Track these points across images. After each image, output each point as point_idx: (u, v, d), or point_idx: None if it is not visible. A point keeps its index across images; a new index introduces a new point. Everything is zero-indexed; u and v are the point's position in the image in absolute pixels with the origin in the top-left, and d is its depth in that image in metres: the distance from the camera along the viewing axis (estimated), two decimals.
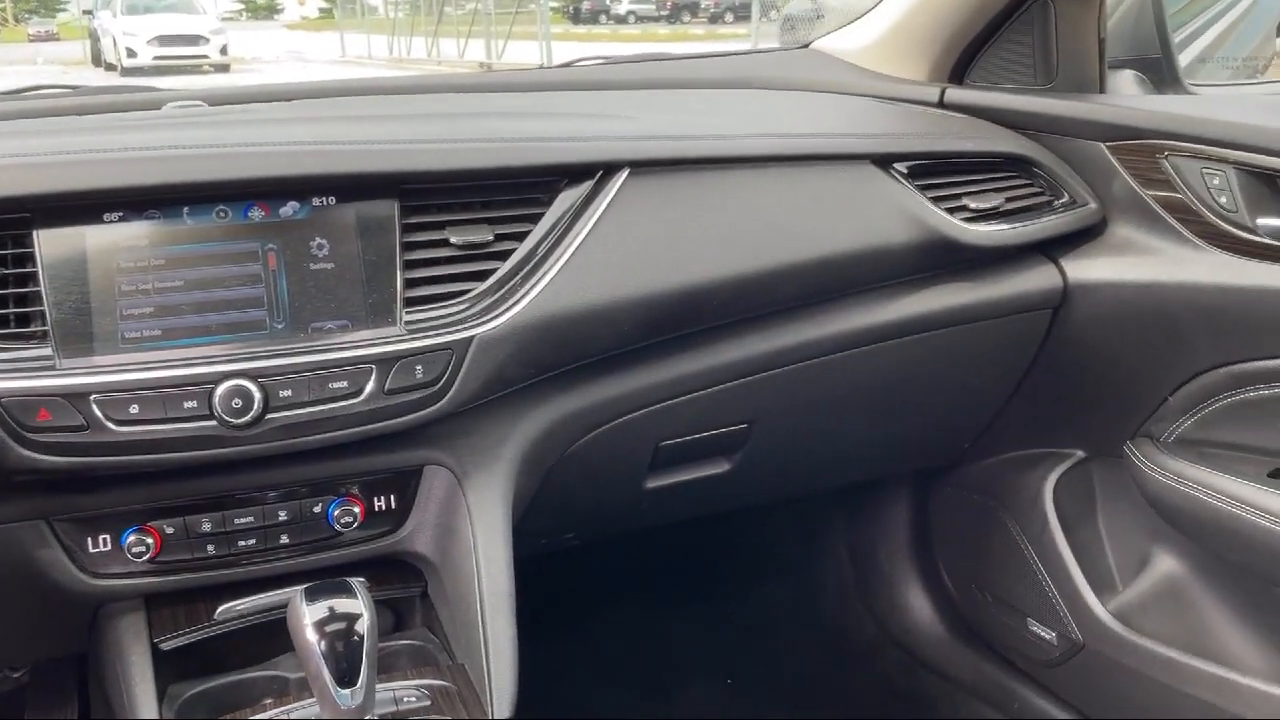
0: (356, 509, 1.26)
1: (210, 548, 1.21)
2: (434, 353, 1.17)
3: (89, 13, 21.52)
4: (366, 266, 1.17)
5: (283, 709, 1.13)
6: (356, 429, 1.16)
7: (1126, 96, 1.72)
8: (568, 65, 2.04)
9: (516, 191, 1.28)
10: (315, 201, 1.17)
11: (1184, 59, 1.91)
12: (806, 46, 2.10)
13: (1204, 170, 1.49)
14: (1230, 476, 1.49)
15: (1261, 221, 1.45)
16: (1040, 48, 1.72)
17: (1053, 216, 1.61)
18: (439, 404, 1.19)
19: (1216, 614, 1.66)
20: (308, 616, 1.02)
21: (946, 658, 2.16)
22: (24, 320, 1.08)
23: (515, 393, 1.29)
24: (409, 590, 1.35)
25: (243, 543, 1.22)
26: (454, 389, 1.19)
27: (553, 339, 1.25)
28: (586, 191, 1.30)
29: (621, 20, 25.90)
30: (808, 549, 2.41)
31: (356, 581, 1.07)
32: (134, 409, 1.07)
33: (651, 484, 1.59)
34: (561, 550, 1.77)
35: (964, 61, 1.82)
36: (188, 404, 1.09)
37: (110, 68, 18.28)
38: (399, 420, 1.18)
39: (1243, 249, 1.47)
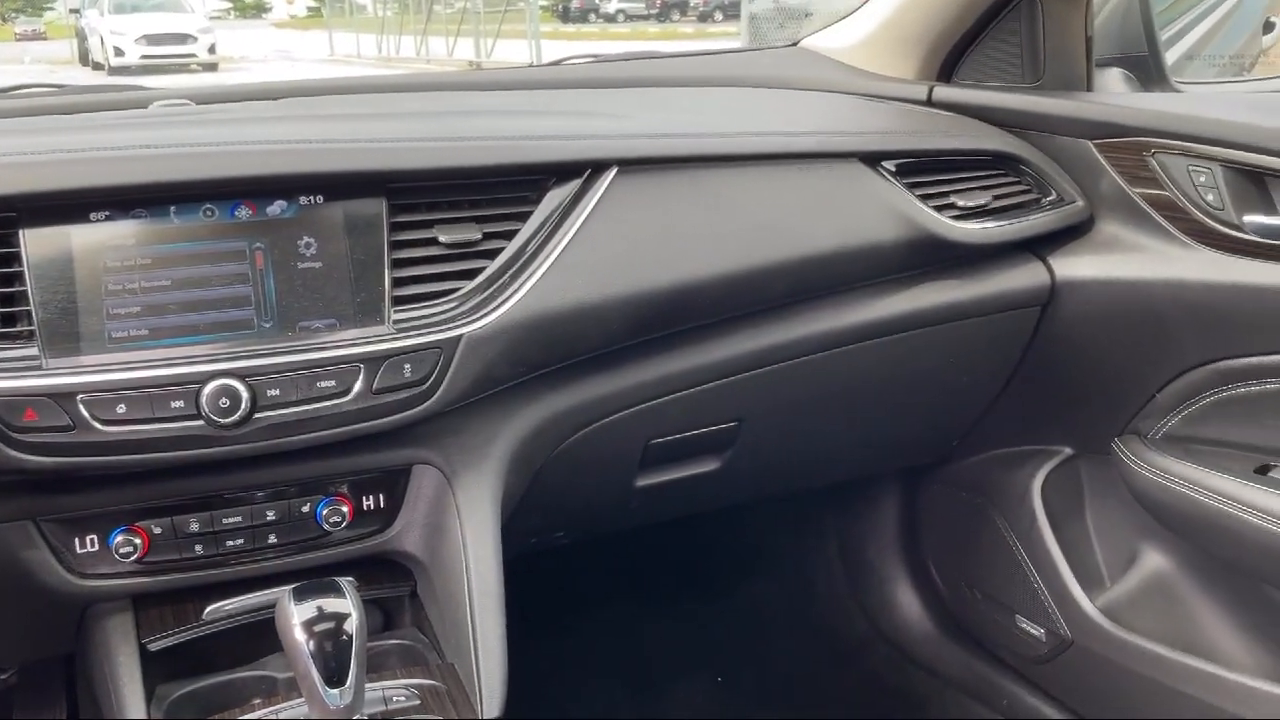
0: (345, 508, 1.25)
1: (198, 548, 1.21)
2: (422, 352, 1.17)
3: (76, 11, 21.42)
4: (354, 265, 1.17)
5: (271, 709, 1.13)
6: (345, 428, 1.16)
7: (1114, 94, 1.73)
8: (557, 64, 2.04)
9: (505, 190, 1.28)
10: (303, 200, 1.16)
11: (1171, 57, 1.92)
12: (795, 45, 2.10)
13: (1191, 168, 1.49)
14: (1217, 473, 1.50)
15: (1248, 219, 1.46)
16: (1027, 46, 1.72)
17: (1040, 214, 1.61)
18: (427, 403, 1.19)
19: (1204, 610, 1.67)
20: (296, 616, 1.02)
21: (936, 654, 2.16)
22: (10, 320, 1.08)
23: (504, 391, 1.29)
24: (398, 590, 1.35)
25: (231, 543, 1.22)
26: (442, 388, 1.19)
27: (541, 337, 1.25)
28: (575, 190, 1.30)
29: (611, 19, 25.86)
30: (797, 546, 2.41)
31: (345, 581, 1.07)
32: (121, 409, 1.07)
33: (641, 482, 1.59)
34: (551, 549, 1.77)
35: (952, 60, 1.83)
36: (175, 404, 1.09)
37: (98, 67, 18.21)
38: (387, 419, 1.18)
39: (1229, 246, 1.47)
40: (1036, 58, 1.72)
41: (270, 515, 1.23)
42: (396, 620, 1.38)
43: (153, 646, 1.21)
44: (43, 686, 1.64)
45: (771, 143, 1.48)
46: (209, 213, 1.14)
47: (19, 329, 1.08)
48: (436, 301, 1.20)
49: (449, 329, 1.19)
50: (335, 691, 1.01)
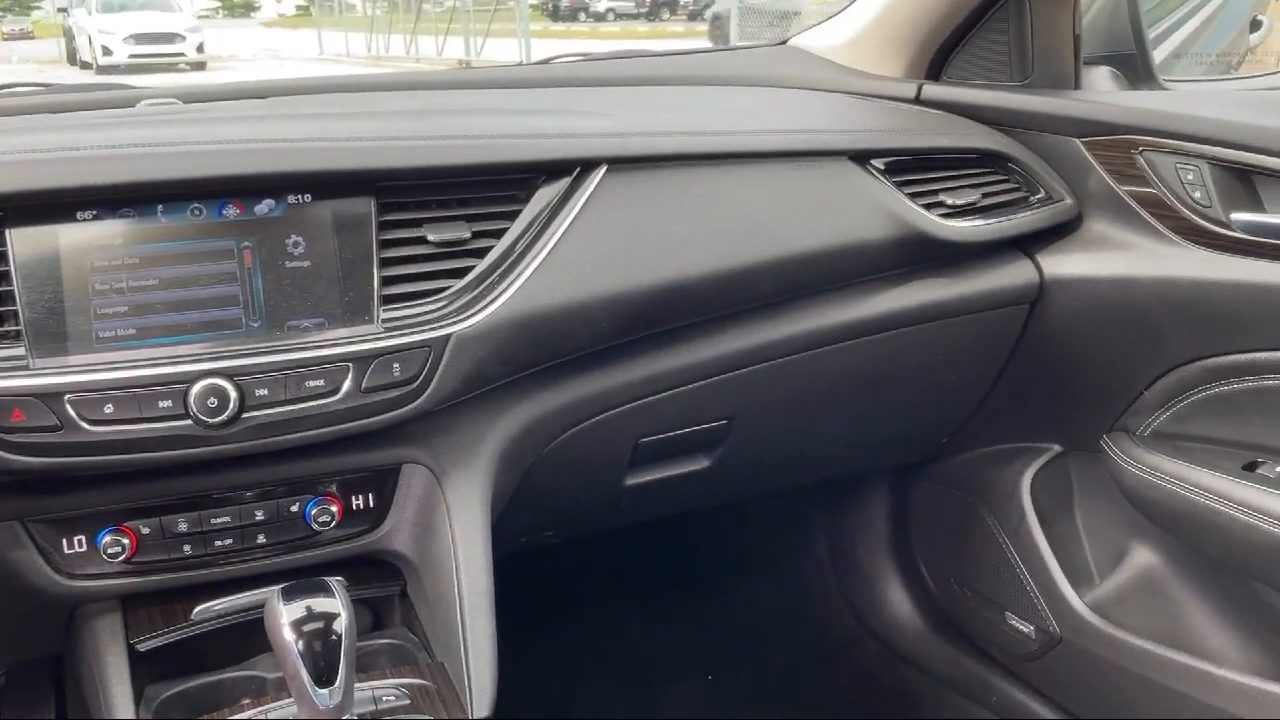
0: (334, 508, 1.25)
1: (187, 548, 1.21)
2: (411, 350, 1.17)
3: (64, 11, 21.34)
4: (343, 264, 1.17)
5: (261, 709, 1.13)
6: (333, 428, 1.16)
7: (1102, 92, 1.73)
8: (546, 62, 2.03)
9: (494, 189, 1.27)
10: (291, 199, 1.16)
11: (1159, 55, 1.92)
12: (784, 43, 2.11)
13: (1178, 165, 1.50)
14: (1205, 470, 1.50)
15: (1235, 216, 1.46)
16: (1016, 44, 1.73)
17: (1029, 212, 1.62)
18: (416, 402, 1.18)
19: (1192, 606, 1.68)
20: (285, 616, 1.01)
21: (925, 651, 2.17)
22: None
23: (493, 390, 1.29)
24: (388, 589, 1.34)
25: (219, 543, 1.22)
26: (431, 387, 1.19)
27: (530, 336, 1.25)
28: (564, 188, 1.30)
29: (600, 17, 25.83)
30: (787, 544, 2.41)
31: (334, 581, 1.07)
32: (108, 409, 1.07)
33: (631, 481, 1.59)
34: (541, 548, 1.77)
35: (940, 58, 1.83)
36: (163, 403, 1.08)
37: (86, 66, 18.14)
38: (376, 419, 1.17)
39: (1217, 244, 1.48)
40: (1025, 56, 1.72)
41: (259, 515, 1.23)
42: (386, 620, 1.38)
43: (141, 647, 1.21)
44: (31, 687, 1.63)
45: (760, 141, 1.48)
46: (196, 212, 1.13)
47: (6, 329, 1.08)
48: (425, 300, 1.20)
49: (438, 328, 1.19)
50: (324, 691, 1.00)
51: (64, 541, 1.17)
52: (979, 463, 1.94)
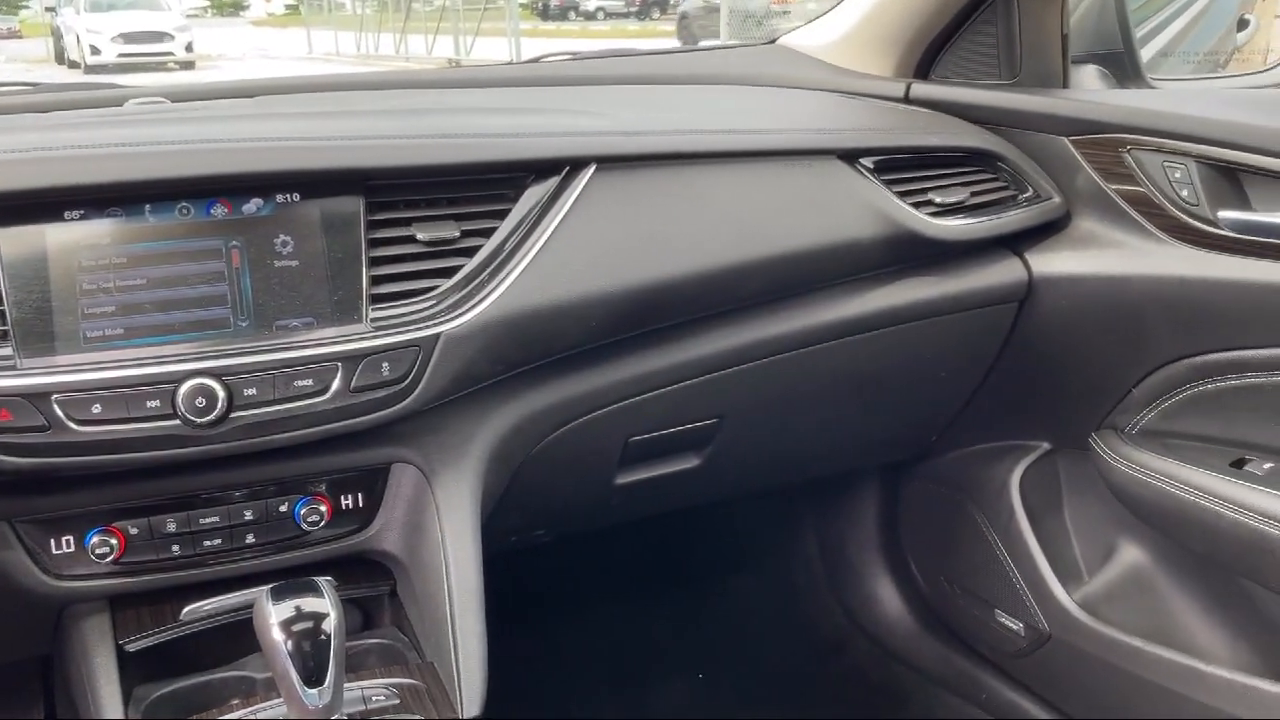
0: (323, 508, 1.25)
1: (175, 548, 1.20)
2: (400, 350, 1.17)
3: (52, 10, 21.29)
4: (332, 263, 1.17)
5: (250, 709, 1.13)
6: (322, 427, 1.16)
7: (1089, 91, 1.74)
8: (536, 61, 2.03)
9: (483, 188, 1.27)
10: (279, 198, 1.16)
11: (1146, 54, 1.93)
12: (773, 42, 2.11)
13: (1166, 164, 1.50)
14: (1193, 467, 1.51)
15: (1222, 214, 1.47)
16: (1004, 43, 1.73)
17: (1017, 211, 1.62)
18: (405, 401, 1.18)
19: (1181, 603, 1.68)
20: (274, 616, 1.01)
21: (915, 649, 2.17)
22: None
23: (483, 389, 1.29)
24: (377, 589, 1.34)
25: (208, 543, 1.22)
26: (421, 386, 1.19)
27: (520, 335, 1.25)
28: (553, 187, 1.30)
29: (590, 16, 25.82)
30: (777, 543, 2.42)
31: (323, 580, 1.07)
32: (96, 409, 1.06)
33: (621, 480, 1.59)
34: (531, 547, 1.77)
35: (929, 57, 1.83)
36: (151, 403, 1.08)
37: (74, 65, 18.10)
38: (365, 418, 1.17)
39: (1204, 242, 1.48)
40: (1013, 55, 1.72)
41: (248, 515, 1.22)
42: (376, 619, 1.37)
43: (130, 647, 1.20)
44: (20, 688, 1.63)
45: (750, 140, 1.49)
46: (184, 211, 1.13)
47: None
48: (414, 300, 1.20)
49: (427, 327, 1.18)
50: (314, 691, 1.00)
51: (52, 542, 1.17)
52: (968, 461, 1.94)
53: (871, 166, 1.54)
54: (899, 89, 1.81)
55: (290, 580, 1.07)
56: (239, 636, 1.20)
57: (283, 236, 1.15)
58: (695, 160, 1.42)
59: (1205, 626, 1.65)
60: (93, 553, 1.17)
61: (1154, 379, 1.58)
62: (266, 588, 1.05)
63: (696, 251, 1.38)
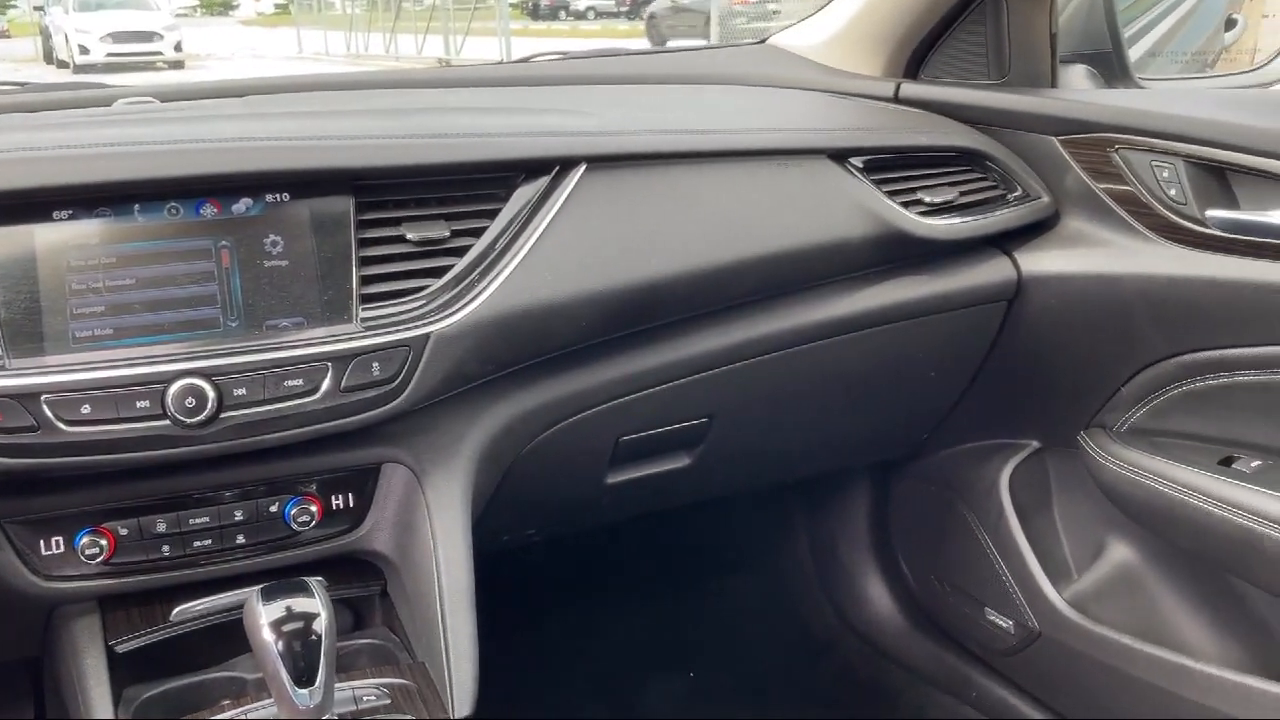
0: (314, 508, 1.25)
1: (165, 549, 1.20)
2: (391, 350, 1.17)
3: (40, 9, 21.22)
4: (321, 263, 1.16)
5: (241, 710, 1.13)
6: (312, 427, 1.16)
7: (1078, 91, 1.74)
8: (526, 61, 2.03)
9: (473, 187, 1.27)
10: (269, 198, 1.16)
11: (1134, 53, 1.94)
12: (763, 42, 2.11)
13: (1154, 163, 1.51)
14: (1182, 465, 1.51)
15: (1210, 213, 1.47)
16: (993, 43, 1.73)
17: (1006, 210, 1.62)
18: (396, 401, 1.18)
19: (1170, 601, 1.69)
20: (264, 616, 1.01)
21: (906, 647, 2.17)
22: None
23: (473, 389, 1.29)
24: (368, 589, 1.34)
25: (198, 543, 1.21)
26: (411, 386, 1.18)
27: (510, 335, 1.25)
28: (543, 187, 1.30)
29: (580, 16, 25.80)
30: (768, 541, 2.42)
31: (314, 581, 1.07)
32: (86, 409, 1.06)
33: (612, 479, 1.59)
34: (523, 546, 1.77)
35: (918, 57, 1.84)
36: (140, 403, 1.08)
37: (63, 65, 18.05)
38: (356, 418, 1.17)
39: (1192, 240, 1.49)
40: (1002, 54, 1.73)
41: (238, 515, 1.22)
42: (367, 620, 1.37)
43: (120, 648, 1.20)
44: (10, 689, 1.62)
45: (739, 139, 1.49)
46: (174, 211, 1.13)
47: None
48: (404, 299, 1.20)
49: (417, 327, 1.18)
50: (304, 691, 1.00)
51: (41, 543, 1.17)
52: (958, 459, 1.95)
53: (861, 166, 1.54)
54: (888, 89, 1.81)
55: (281, 580, 1.07)
56: (229, 637, 1.20)
57: (272, 236, 1.15)
58: (685, 160, 1.42)
59: (1194, 624, 1.66)
60: (82, 553, 1.17)
61: (1143, 377, 1.59)
62: (257, 588, 1.05)
63: (686, 251, 1.38)
